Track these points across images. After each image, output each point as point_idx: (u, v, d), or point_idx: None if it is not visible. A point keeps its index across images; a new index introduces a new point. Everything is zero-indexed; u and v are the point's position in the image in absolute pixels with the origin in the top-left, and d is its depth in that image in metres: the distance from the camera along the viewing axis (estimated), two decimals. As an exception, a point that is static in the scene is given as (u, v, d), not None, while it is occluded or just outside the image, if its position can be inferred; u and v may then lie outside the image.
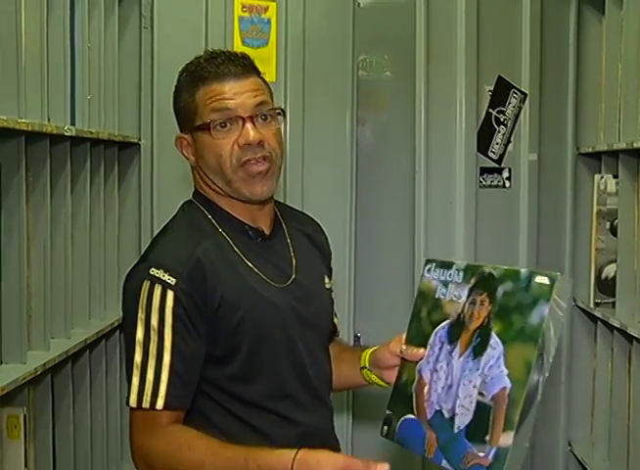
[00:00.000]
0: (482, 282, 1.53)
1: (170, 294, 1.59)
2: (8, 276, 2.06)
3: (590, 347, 3.13)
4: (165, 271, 1.60)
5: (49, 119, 2.19)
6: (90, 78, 2.51)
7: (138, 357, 1.59)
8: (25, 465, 2.16)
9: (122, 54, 2.81)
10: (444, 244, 2.97)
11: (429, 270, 1.66)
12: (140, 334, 1.59)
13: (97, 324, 2.59)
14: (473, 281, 1.55)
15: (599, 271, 2.93)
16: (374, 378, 1.78)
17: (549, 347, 1.41)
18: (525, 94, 3.02)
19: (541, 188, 3.07)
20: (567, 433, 3.16)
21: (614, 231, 2.87)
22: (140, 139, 2.94)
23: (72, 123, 2.37)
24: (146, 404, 1.57)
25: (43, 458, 2.30)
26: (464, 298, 1.55)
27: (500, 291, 1.48)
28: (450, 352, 1.54)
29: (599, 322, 2.97)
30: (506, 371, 1.41)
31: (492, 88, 3.00)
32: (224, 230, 1.72)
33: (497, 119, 3.01)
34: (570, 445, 3.15)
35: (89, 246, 2.56)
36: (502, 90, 3.01)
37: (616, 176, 2.84)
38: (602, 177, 2.91)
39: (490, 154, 3.01)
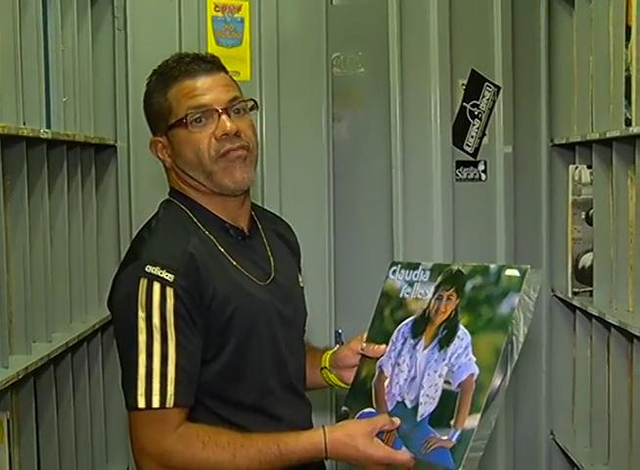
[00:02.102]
0: (450, 279, 1.59)
1: (170, 291, 1.57)
2: (-13, 281, 2.06)
3: (569, 336, 3.16)
4: (162, 268, 1.58)
5: (24, 123, 2.18)
6: (65, 81, 2.50)
7: (142, 357, 1.55)
8: (10, 469, 2.16)
9: (96, 56, 2.81)
10: (422, 238, 2.99)
11: (393, 272, 1.73)
12: (142, 333, 1.56)
13: (78, 327, 2.59)
14: (440, 279, 1.61)
15: (576, 261, 2.95)
16: (333, 378, 1.83)
17: (518, 334, 1.47)
18: (498, 87, 3.04)
19: (517, 180, 3.09)
20: (548, 422, 3.19)
21: (589, 221, 2.90)
22: (116, 141, 2.94)
23: (48, 127, 2.37)
24: (156, 404, 1.54)
25: (28, 462, 2.29)
26: (430, 295, 1.61)
27: (469, 285, 1.55)
28: (414, 345, 1.59)
29: (577, 311, 3.00)
30: (474, 359, 1.47)
31: (466, 82, 3.02)
32: (206, 228, 1.72)
33: (472, 113, 3.03)
34: (552, 433, 3.19)
35: (68, 249, 2.55)
36: (476, 84, 3.03)
37: (590, 166, 2.87)
38: (576, 168, 2.94)
39: (466, 147, 3.03)
